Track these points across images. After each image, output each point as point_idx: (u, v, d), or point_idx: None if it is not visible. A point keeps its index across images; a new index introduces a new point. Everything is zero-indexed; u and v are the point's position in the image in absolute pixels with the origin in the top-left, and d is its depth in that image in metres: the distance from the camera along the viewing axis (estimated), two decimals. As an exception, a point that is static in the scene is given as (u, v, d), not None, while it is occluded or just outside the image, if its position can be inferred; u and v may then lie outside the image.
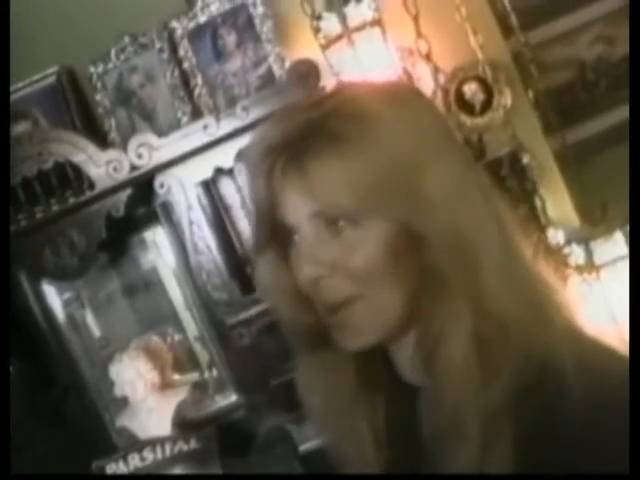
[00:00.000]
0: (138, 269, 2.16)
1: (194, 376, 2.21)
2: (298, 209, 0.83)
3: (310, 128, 0.81)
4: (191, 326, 2.16)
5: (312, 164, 0.80)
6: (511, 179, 2.06)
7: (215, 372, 2.18)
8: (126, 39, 2.09)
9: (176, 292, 2.14)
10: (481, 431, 0.78)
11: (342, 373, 0.92)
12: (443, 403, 0.81)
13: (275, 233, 0.87)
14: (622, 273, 1.93)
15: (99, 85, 2.11)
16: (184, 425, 2.12)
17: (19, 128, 2.16)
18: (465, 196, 0.83)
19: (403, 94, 0.90)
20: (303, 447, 2.03)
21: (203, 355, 2.19)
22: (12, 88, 2.16)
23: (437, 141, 0.86)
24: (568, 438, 0.76)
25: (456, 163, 0.85)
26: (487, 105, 2.14)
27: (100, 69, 2.11)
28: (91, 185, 1.96)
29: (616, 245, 1.98)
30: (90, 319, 2.22)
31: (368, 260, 0.82)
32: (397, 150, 0.81)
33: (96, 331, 2.21)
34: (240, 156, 1.89)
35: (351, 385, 0.93)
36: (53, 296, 2.19)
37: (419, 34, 1.84)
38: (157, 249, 2.11)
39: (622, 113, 2.66)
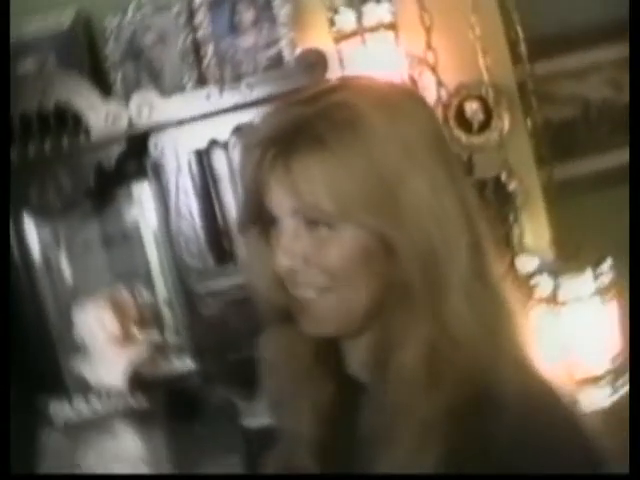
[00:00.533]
0: (120, 222, 2.20)
1: (155, 336, 2.24)
2: (281, 202, 0.86)
3: (301, 126, 0.84)
4: (161, 287, 2.19)
5: (297, 163, 0.83)
6: (493, 202, 2.10)
7: (176, 336, 2.22)
8: (146, -4, 2.12)
9: (152, 251, 2.18)
10: (412, 438, 0.82)
11: (300, 353, 0.97)
12: (385, 405, 0.86)
13: (260, 215, 0.90)
14: (584, 311, 1.97)
15: (112, 38, 2.13)
16: (136, 382, 2.14)
17: (28, 64, 2.18)
18: (442, 212, 0.85)
19: (403, 99, 0.91)
20: (248, 423, 2.07)
21: (168, 317, 2.23)
22: (26, 22, 2.19)
23: (425, 152, 0.87)
24: (496, 462, 0.80)
25: (440, 177, 0.87)
26: (485, 126, 2.17)
27: (115, 22, 2.13)
28: (87, 133, 1.98)
29: (584, 284, 2.02)
30: (64, 262, 2.25)
31: (340, 260, 0.85)
32: (381, 161, 0.83)
33: (68, 274, 2.24)
34: (236, 132, 1.93)
35: (305, 366, 0.97)
36: (32, 233, 2.22)
37: (429, 46, 1.88)
38: (141, 207, 2.14)
39: (618, 157, 2.72)
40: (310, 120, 0.84)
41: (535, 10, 2.26)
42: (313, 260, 0.86)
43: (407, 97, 0.94)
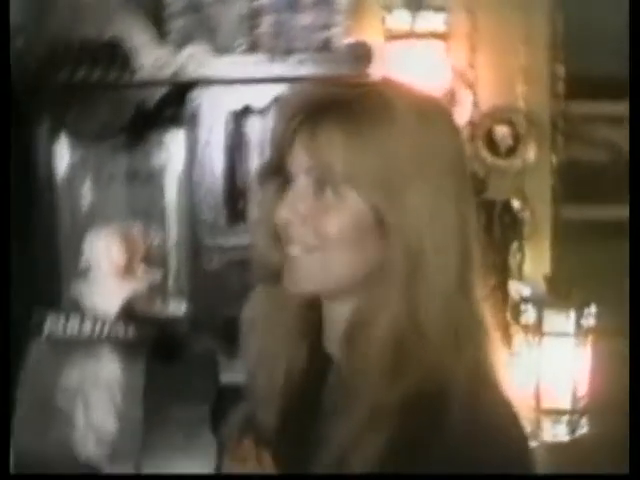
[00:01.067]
0: (147, 162, 2.29)
1: (156, 276, 2.34)
2: (300, 161, 0.93)
3: (337, 103, 0.91)
4: (172, 232, 2.29)
5: (323, 130, 0.90)
6: (498, 224, 2.18)
7: (175, 281, 2.32)
8: (216, -45, 2.20)
9: (171, 197, 2.28)
10: (364, 417, 0.88)
11: (283, 316, 1.03)
12: (347, 382, 0.92)
13: (279, 172, 0.97)
14: (562, 348, 2.06)
15: (177, -14, 2.22)
16: (128, 314, 2.22)
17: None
18: (438, 219, 0.91)
19: (435, 111, 0.97)
20: (225, 378, 2.14)
21: (172, 262, 2.33)
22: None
23: (439, 163, 0.93)
24: (435, 460, 0.85)
25: (447, 189, 0.92)
26: (511, 151, 2.25)
27: (183, -26, 2.22)
28: (135, 72, 2.07)
29: (566, 322, 2.10)
30: (86, 188, 2.35)
31: (335, 227, 0.91)
32: (397, 153, 0.90)
33: (87, 200, 2.34)
34: (274, 102, 2.01)
35: (285, 330, 1.03)
36: (63, 154, 2.32)
37: (472, 64, 1.95)
38: (170, 152, 2.24)
39: None
40: (346, 100, 0.91)
41: (582, 51, 2.31)
42: (311, 220, 0.92)
43: (439, 111, 0.99)
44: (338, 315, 0.97)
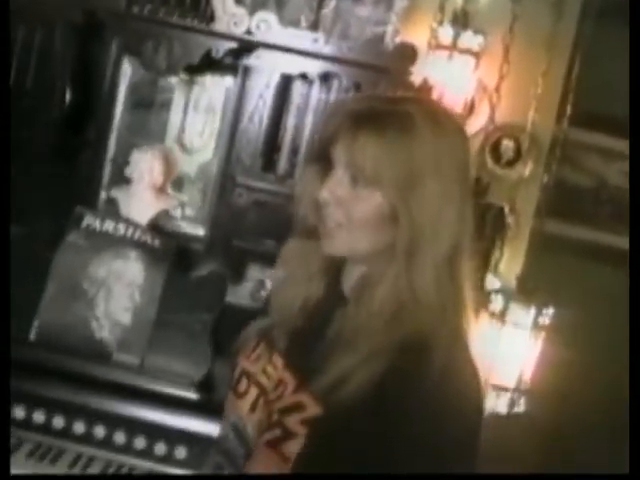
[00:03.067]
0: (202, 99, 2.58)
1: (185, 198, 2.65)
2: (340, 155, 1.17)
3: (373, 116, 1.14)
4: (210, 163, 2.58)
5: (362, 137, 1.13)
6: (489, 225, 2.51)
7: (202, 206, 2.60)
8: None
9: (217, 132, 2.55)
10: (366, 352, 1.10)
11: (312, 259, 1.28)
12: (353, 322, 1.15)
13: (324, 157, 1.20)
14: (519, 337, 2.40)
15: (259, -44, 2.50)
16: (154, 227, 2.51)
17: None
18: (441, 213, 1.13)
19: (453, 126, 1.20)
20: (229, 300, 2.42)
21: (205, 189, 2.62)
22: None
23: (449, 169, 1.15)
24: (414, 398, 1.09)
25: (452, 190, 1.14)
26: (510, 163, 2.59)
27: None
28: (211, 20, 2.36)
29: (526, 316, 2.43)
30: (142, 108, 2.64)
31: (362, 213, 1.16)
32: (416, 160, 1.12)
33: (140, 118, 2.63)
34: (323, 77, 2.32)
35: (312, 266, 1.28)
36: (126, 74, 2.61)
37: (497, 89, 2.28)
38: (224, 97, 2.52)
39: (605, 238, 3.05)
40: (381, 114, 1.15)
41: (591, 89, 2.61)
42: (344, 204, 1.16)
43: (456, 126, 1.22)
44: (354, 270, 1.23)
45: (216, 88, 2.56)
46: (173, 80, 2.60)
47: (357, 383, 1.09)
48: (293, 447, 1.15)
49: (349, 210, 1.16)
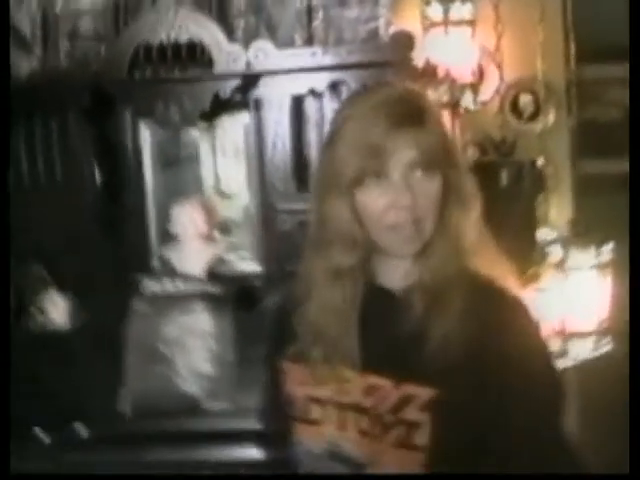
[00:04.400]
0: (225, 140, 2.63)
1: (232, 240, 2.68)
2: (395, 159, 1.16)
3: (402, 109, 1.18)
4: (247, 200, 2.62)
5: (414, 128, 1.16)
6: (528, 180, 2.53)
7: (251, 242, 2.63)
8: (275, -40, 2.55)
9: (245, 169, 2.60)
10: (457, 308, 1.16)
11: (353, 269, 1.25)
12: (414, 307, 1.20)
13: (366, 169, 1.18)
14: (585, 280, 2.41)
15: (239, -10, 2.57)
16: (211, 274, 2.57)
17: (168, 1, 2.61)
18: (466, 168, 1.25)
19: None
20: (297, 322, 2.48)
21: (245, 226, 2.66)
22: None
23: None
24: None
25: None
26: (533, 116, 2.60)
27: (245, -21, 2.57)
28: (211, 65, 2.41)
29: (587, 258, 2.45)
30: (168, 165, 2.69)
31: (430, 198, 1.18)
32: (445, 131, 1.23)
33: (169, 176, 2.70)
34: (331, 87, 2.36)
35: (353, 279, 1.26)
36: (146, 138, 2.66)
37: (498, 48, 2.30)
38: (244, 132, 2.56)
39: None
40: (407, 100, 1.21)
41: (590, 24, 2.62)
42: (417, 198, 1.17)
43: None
44: (399, 263, 1.25)
45: (234, 127, 2.61)
46: (193, 132, 2.66)
47: (456, 345, 1.14)
48: (422, 436, 1.17)
49: (421, 202, 1.18)
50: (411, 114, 1.18)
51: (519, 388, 1.16)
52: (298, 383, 1.29)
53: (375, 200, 1.18)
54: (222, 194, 2.67)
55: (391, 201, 1.17)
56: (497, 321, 1.18)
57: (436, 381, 1.15)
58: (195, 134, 2.66)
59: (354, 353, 1.23)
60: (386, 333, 1.23)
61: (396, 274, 1.26)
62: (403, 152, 1.18)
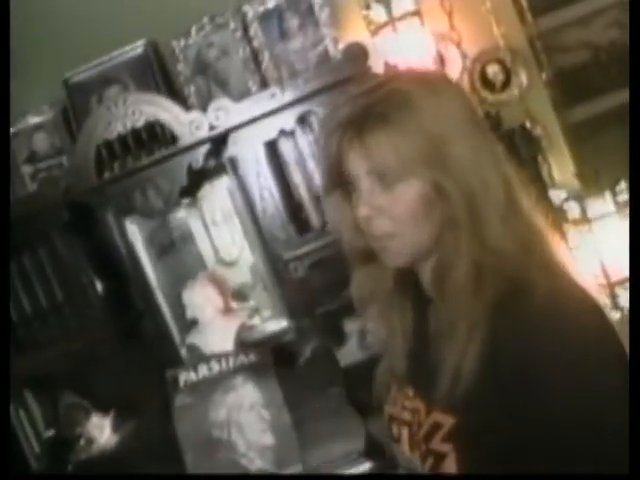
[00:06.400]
0: (212, 210, 2.57)
1: (251, 304, 2.62)
2: (359, 167, 1.12)
3: (368, 110, 1.12)
4: (253, 261, 2.55)
5: (369, 138, 1.10)
6: (522, 147, 2.44)
7: (271, 299, 2.56)
8: (205, 19, 2.48)
9: (242, 230, 2.53)
10: (464, 333, 1.06)
11: (382, 280, 1.24)
12: (445, 311, 1.11)
13: (340, 180, 1.19)
14: (610, 226, 2.32)
15: (181, 57, 2.51)
16: (242, 345, 2.50)
17: (112, 92, 2.56)
18: (480, 162, 1.09)
19: (437, 82, 1.16)
20: (344, 362, 2.42)
21: (260, 286, 2.58)
22: (106, 57, 2.57)
23: (462, 119, 1.12)
24: (525, 351, 1.02)
25: (476, 136, 1.11)
26: (506, 84, 2.52)
27: (182, 44, 2.50)
28: (175, 140, 2.34)
29: (605, 203, 2.36)
30: (163, 252, 2.63)
31: (406, 207, 1.11)
32: (431, 129, 1.08)
33: (172, 262, 2.63)
34: (300, 121, 2.29)
35: (388, 289, 1.25)
36: (135, 233, 2.60)
37: (452, 27, 2.23)
38: (229, 195, 2.49)
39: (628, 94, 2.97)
40: (374, 105, 1.09)
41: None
42: (386, 211, 1.11)
43: (439, 79, 1.20)
44: (426, 266, 1.18)
45: (218, 194, 2.55)
46: (180, 213, 2.60)
47: (471, 365, 1.05)
48: (450, 468, 1.09)
49: (394, 214, 1.12)
50: (379, 118, 1.09)
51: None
52: (387, 402, 1.29)
53: (352, 210, 1.17)
54: (225, 263, 2.60)
55: (359, 212, 1.14)
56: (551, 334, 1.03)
57: (455, 405, 1.08)
58: (182, 214, 2.60)
59: (406, 372, 1.23)
60: (426, 348, 1.18)
61: (426, 280, 1.20)
62: (358, 162, 1.12)
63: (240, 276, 2.62)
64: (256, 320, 2.62)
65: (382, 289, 1.25)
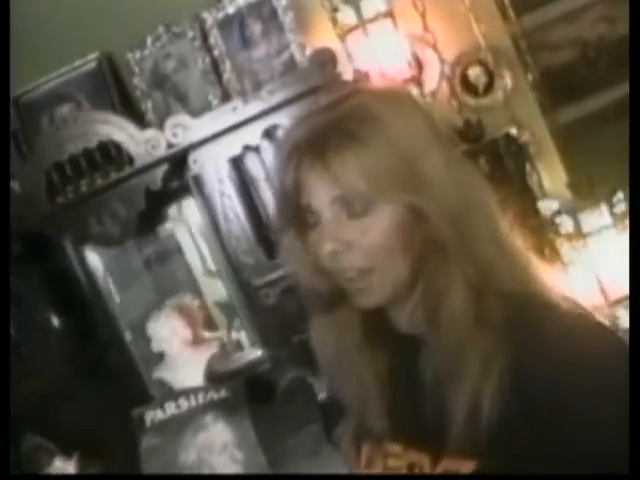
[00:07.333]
0: (172, 237, 2.39)
1: (222, 333, 2.44)
2: (321, 195, 0.98)
3: (330, 128, 0.97)
4: (221, 288, 2.37)
5: (333, 159, 0.95)
6: (508, 157, 2.26)
7: (242, 330, 2.39)
8: (161, 29, 2.30)
9: (208, 256, 2.36)
10: (477, 368, 0.93)
11: (349, 329, 1.08)
12: (447, 347, 0.96)
13: (297, 215, 1.02)
14: (606, 241, 2.14)
15: (136, 70, 2.32)
16: (214, 377, 2.32)
17: (64, 110, 2.38)
18: (456, 177, 0.98)
19: (398, 96, 1.06)
20: (322, 396, 2.23)
21: (229, 314, 2.41)
22: (56, 73, 2.39)
23: (430, 134, 1.00)
24: (546, 377, 0.91)
25: (446, 151, 1.00)
26: (489, 87, 2.34)
27: (137, 55, 2.32)
28: (131, 161, 2.16)
29: (601, 216, 2.18)
30: (127, 281, 2.45)
31: (379, 238, 0.96)
32: (400, 146, 0.95)
33: (136, 291, 2.44)
34: (265, 135, 2.10)
35: (357, 339, 1.09)
36: (95, 260, 2.41)
37: (426, 28, 2.04)
38: (191, 218, 2.32)
39: (620, 91, 2.82)
40: (337, 122, 0.97)
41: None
42: (356, 242, 0.97)
43: (401, 93, 1.11)
44: (407, 303, 1.03)
45: (178, 217, 2.36)
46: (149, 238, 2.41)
47: (491, 401, 0.92)
48: None
49: (365, 246, 0.97)
50: (343, 135, 0.96)
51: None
52: (357, 466, 1.13)
53: (313, 248, 1.00)
54: (193, 290, 2.41)
55: (323, 248, 0.98)
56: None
57: (477, 450, 0.94)
58: (141, 239, 2.40)
59: (387, 428, 1.07)
60: (415, 395, 1.02)
61: (403, 318, 1.06)
62: (320, 189, 0.97)
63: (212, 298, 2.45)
64: (228, 350, 2.43)
65: (349, 340, 1.09)
